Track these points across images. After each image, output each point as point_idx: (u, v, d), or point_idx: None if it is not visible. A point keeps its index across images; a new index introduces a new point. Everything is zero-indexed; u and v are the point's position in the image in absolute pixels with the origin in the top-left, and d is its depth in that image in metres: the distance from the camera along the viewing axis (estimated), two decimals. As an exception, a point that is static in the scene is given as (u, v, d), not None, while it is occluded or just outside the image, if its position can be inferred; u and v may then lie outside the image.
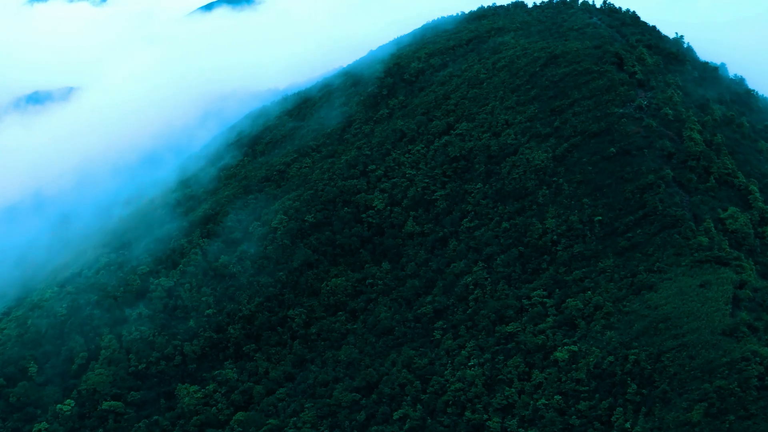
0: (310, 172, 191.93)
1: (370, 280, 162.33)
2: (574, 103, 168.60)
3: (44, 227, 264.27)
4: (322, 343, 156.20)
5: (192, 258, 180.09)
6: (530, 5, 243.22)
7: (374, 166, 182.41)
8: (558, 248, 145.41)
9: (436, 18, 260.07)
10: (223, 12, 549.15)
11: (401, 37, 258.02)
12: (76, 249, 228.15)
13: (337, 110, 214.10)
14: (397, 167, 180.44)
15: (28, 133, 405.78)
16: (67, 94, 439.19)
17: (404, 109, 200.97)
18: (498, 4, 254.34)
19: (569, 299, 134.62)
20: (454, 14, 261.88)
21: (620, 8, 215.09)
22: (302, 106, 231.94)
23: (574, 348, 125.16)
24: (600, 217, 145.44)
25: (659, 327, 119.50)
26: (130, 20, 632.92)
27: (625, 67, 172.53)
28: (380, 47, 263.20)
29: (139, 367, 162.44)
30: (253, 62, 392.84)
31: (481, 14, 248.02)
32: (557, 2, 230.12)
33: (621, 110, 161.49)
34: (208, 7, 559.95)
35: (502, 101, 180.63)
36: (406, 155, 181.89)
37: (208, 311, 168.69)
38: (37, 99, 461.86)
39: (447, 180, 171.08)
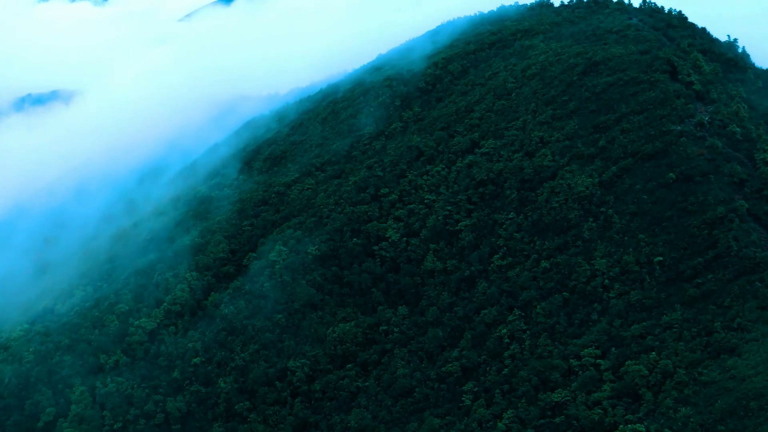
0: (314, 195, 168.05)
1: (385, 327, 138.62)
2: (621, 118, 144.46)
3: (27, 245, 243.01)
4: (329, 403, 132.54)
5: (178, 295, 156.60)
6: (557, 4, 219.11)
7: (387, 190, 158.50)
8: (611, 295, 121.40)
9: (450, 19, 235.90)
10: (237, 6, 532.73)
11: (412, 41, 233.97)
12: (54, 276, 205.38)
13: (343, 123, 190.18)
14: (413, 191, 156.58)
15: (18, 139, 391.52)
16: (67, 96, 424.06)
17: (420, 122, 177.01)
18: (519, 3, 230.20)
19: (629, 361, 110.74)
20: (471, 15, 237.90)
21: (662, 8, 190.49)
22: (304, 118, 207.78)
23: (641, 428, 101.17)
24: (661, 258, 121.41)
25: (750, 406, 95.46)
26: (133, 19, 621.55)
27: (679, 77, 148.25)
28: (389, 52, 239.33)
29: (115, 426, 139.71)
30: (260, 61, 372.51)
31: (503, 15, 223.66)
32: (587, 1, 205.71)
33: (679, 128, 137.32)
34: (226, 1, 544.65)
35: (535, 115, 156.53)
36: (425, 177, 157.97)
37: (195, 360, 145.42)
38: (33, 101, 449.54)
39: (473, 207, 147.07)
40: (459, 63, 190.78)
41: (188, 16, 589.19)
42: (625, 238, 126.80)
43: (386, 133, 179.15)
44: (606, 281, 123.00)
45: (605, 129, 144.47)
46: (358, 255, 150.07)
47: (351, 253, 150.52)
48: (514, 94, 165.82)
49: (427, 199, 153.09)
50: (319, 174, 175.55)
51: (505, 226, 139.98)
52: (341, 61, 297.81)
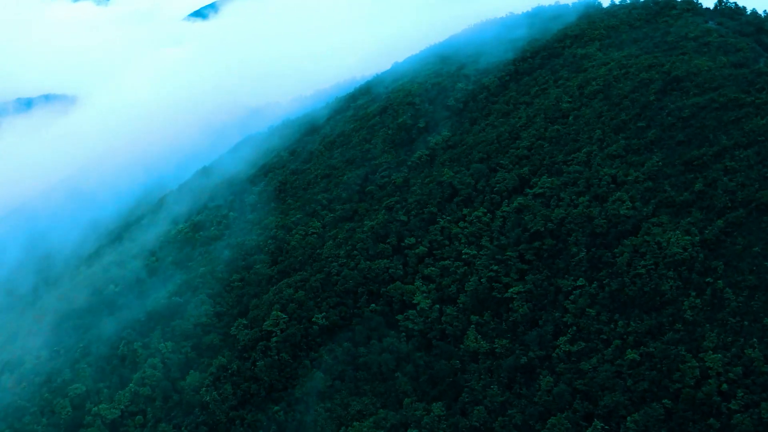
0: (319, 243, 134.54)
1: (414, 430, 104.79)
2: (722, 153, 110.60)
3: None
4: None
5: (148, 373, 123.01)
6: (607, 4, 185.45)
7: (413, 240, 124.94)
8: (732, 407, 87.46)
9: (478, 22, 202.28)
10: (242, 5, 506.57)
11: (433, 47, 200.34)
12: (11, 323, 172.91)
13: (355, 149, 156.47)
14: (447, 242, 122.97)
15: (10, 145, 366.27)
16: (68, 100, 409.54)
17: (452, 150, 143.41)
18: (559, 3, 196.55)
19: None
20: (501, 16, 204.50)
21: (743, 8, 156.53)
22: (308, 140, 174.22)
23: None
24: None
25: None
26: (137, 19, 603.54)
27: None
28: (407, 60, 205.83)
29: None
30: (274, 63, 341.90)
31: (541, 16, 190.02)
32: (646, 0, 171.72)
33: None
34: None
35: (602, 145, 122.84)
36: (461, 224, 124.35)
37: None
38: (31, 103, 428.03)
39: (527, 268, 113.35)
40: (496, 75, 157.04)
41: (193, 14, 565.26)
42: (745, 322, 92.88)
43: (409, 163, 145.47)
44: (724, 386, 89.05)
45: (701, 167, 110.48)
46: (377, 327, 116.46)
47: (368, 324, 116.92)
48: (571, 116, 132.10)
49: (466, 254, 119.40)
50: (326, 214, 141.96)
51: (573, 296, 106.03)
52: (354, 66, 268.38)
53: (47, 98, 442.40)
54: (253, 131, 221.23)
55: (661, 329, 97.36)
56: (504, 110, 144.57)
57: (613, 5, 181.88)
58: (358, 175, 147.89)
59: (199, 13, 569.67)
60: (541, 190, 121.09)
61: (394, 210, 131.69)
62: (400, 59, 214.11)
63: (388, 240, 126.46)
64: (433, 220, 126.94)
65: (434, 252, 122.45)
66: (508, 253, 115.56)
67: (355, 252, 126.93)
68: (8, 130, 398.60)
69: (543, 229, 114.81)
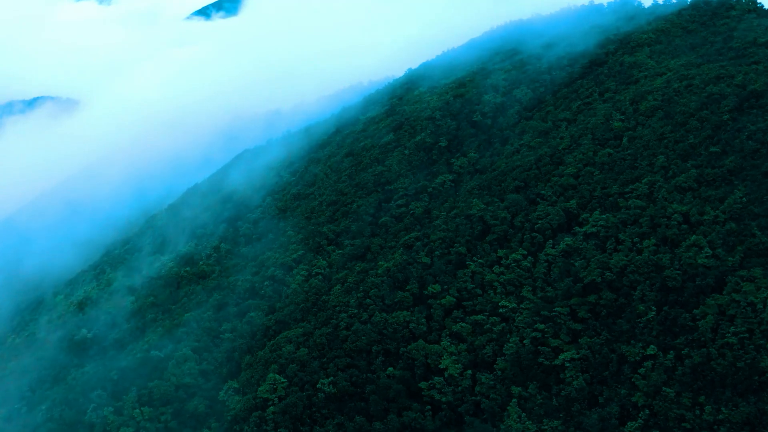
0: (325, 288, 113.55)
1: None
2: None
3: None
4: None
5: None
6: (647, 4, 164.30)
7: (438, 287, 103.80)
8: None
9: (503, 23, 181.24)
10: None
11: (454, 50, 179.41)
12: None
13: (366, 171, 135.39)
14: (479, 291, 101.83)
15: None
16: (70, 103, 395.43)
17: (479, 175, 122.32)
18: (593, 3, 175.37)
19: None
20: (527, 18, 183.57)
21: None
22: (312, 158, 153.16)
23: None
24: None
25: None
26: (141, 19, 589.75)
27: None
28: (422, 65, 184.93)
29: None
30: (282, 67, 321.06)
31: (575, 17, 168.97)
32: (697, 0, 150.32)
33: None
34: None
35: (668, 174, 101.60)
36: (496, 268, 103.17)
37: None
38: (26, 106, 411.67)
39: (580, 328, 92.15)
40: (529, 87, 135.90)
41: (196, 13, 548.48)
42: None
43: (430, 189, 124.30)
44: None
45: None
46: (395, 397, 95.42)
47: (384, 392, 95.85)
48: (625, 138, 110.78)
49: (503, 307, 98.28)
50: (332, 251, 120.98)
51: (643, 369, 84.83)
52: (362, 69, 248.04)
53: (45, 100, 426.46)
54: (259, 139, 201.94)
55: (763, 419, 76.22)
56: (541, 128, 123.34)
57: (656, 5, 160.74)
58: (370, 203, 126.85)
59: (203, 12, 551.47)
60: (593, 229, 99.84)
61: (414, 248, 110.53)
62: (415, 65, 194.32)
63: (408, 287, 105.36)
64: (461, 262, 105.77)
65: (464, 303, 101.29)
66: (556, 309, 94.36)
67: (368, 300, 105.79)
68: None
69: (599, 279, 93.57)
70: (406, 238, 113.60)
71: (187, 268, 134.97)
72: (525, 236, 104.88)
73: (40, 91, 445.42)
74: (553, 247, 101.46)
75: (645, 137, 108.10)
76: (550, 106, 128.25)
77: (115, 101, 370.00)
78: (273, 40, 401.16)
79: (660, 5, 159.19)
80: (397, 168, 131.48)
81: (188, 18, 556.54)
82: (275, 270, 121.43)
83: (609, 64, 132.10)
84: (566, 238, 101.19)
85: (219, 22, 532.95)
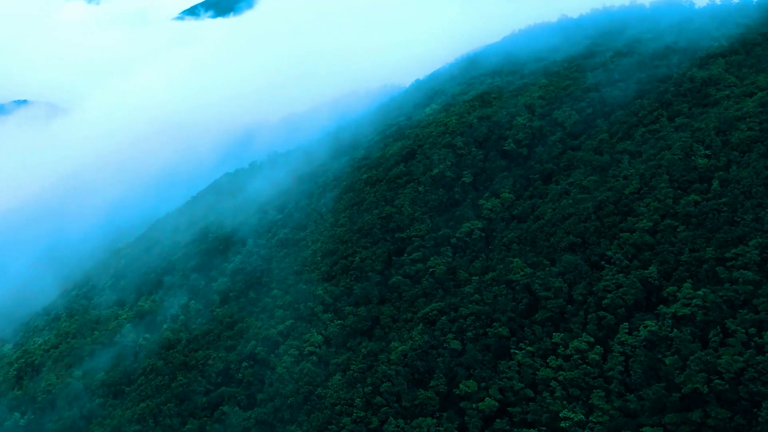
0: (321, 377, 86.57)
1: None
2: None
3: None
4: None
5: None
6: (700, 4, 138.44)
7: (474, 385, 77.03)
8: None
9: (528, 25, 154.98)
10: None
11: (472, 54, 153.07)
12: None
13: (371, 212, 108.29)
14: (530, 392, 75.12)
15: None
16: (47, 108, 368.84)
17: (517, 224, 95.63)
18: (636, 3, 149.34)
19: None
20: (555, 20, 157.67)
21: None
22: (303, 190, 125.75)
23: None
24: None
25: None
26: (130, 19, 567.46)
27: None
28: (433, 74, 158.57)
29: None
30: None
31: (611, 18, 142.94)
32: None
33: None
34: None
35: (784, 235, 75.18)
36: (551, 360, 76.44)
37: None
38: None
39: (680, 457, 65.73)
40: (571, 107, 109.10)
41: (183, 14, 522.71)
42: None
43: (454, 240, 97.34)
44: None
45: None
46: None
47: None
48: (716, 181, 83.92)
49: (567, 419, 71.51)
50: (329, 321, 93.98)
51: None
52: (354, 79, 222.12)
53: (22, 105, 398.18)
54: (250, 153, 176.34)
55: None
56: (596, 163, 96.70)
57: (712, 5, 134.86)
58: (377, 255, 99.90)
59: (192, 12, 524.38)
60: (686, 310, 73.28)
61: (439, 325, 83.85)
62: (420, 73, 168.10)
63: (433, 382, 78.70)
64: (503, 350, 79.12)
65: (509, 409, 74.61)
66: (631, 406, 68.00)
67: (379, 399, 79.06)
68: None
69: (705, 388, 67.06)
70: (427, 310, 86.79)
71: (147, 335, 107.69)
72: (589, 316, 78.30)
73: (17, 95, 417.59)
74: (630, 334, 74.92)
75: (744, 180, 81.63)
76: (603, 133, 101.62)
77: (100, 107, 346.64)
78: (268, 43, 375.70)
79: (719, 5, 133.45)
80: (409, 209, 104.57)
81: (178, 18, 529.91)
82: (256, 345, 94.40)
83: (674, 79, 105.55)
84: (648, 321, 74.63)
85: (208, 22, 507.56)
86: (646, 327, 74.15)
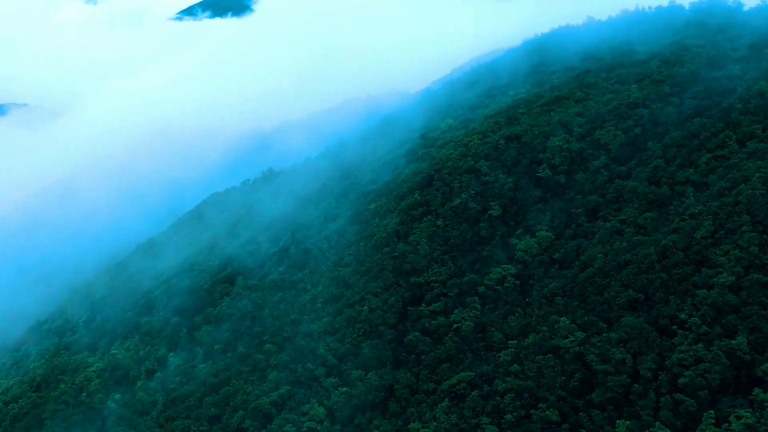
0: (325, 463, 70.28)
1: None
2: None
3: None
4: None
5: None
6: (749, 4, 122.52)
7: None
8: None
9: (552, 29, 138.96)
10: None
11: (489, 61, 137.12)
12: None
13: (380, 250, 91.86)
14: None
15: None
16: (40, 111, 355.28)
17: (558, 270, 79.38)
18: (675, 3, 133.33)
19: None
20: (583, 20, 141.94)
21: None
22: (300, 224, 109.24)
23: None
24: None
25: None
26: (127, 20, 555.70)
27: None
28: (444, 81, 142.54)
29: None
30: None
31: (648, 19, 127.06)
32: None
33: None
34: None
35: None
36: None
37: None
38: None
39: None
40: (615, 125, 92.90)
41: (182, 14, 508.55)
42: None
43: (482, 289, 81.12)
44: None
45: None
46: None
47: None
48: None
49: None
50: (332, 388, 77.72)
51: None
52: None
53: (12, 108, 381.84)
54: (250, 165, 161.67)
55: None
56: (652, 195, 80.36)
57: (765, 5, 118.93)
58: (390, 305, 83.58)
59: (190, 12, 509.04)
60: (791, 398, 57.15)
61: (468, 402, 67.60)
62: (430, 81, 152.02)
63: (464, 482, 62.43)
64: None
65: None
66: None
67: (397, 501, 62.74)
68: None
69: None
70: (454, 381, 70.62)
71: (117, 396, 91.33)
72: (662, 398, 62.14)
73: (7, 98, 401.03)
74: (717, 425, 58.80)
75: None
76: (658, 159, 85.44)
77: (96, 110, 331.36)
78: (268, 45, 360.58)
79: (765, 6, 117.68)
80: (426, 248, 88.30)
81: (176, 18, 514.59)
82: (245, 417, 78.16)
83: (739, 93, 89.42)
84: (740, 411, 58.53)
85: (207, 23, 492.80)
86: (739, 418, 58.05)
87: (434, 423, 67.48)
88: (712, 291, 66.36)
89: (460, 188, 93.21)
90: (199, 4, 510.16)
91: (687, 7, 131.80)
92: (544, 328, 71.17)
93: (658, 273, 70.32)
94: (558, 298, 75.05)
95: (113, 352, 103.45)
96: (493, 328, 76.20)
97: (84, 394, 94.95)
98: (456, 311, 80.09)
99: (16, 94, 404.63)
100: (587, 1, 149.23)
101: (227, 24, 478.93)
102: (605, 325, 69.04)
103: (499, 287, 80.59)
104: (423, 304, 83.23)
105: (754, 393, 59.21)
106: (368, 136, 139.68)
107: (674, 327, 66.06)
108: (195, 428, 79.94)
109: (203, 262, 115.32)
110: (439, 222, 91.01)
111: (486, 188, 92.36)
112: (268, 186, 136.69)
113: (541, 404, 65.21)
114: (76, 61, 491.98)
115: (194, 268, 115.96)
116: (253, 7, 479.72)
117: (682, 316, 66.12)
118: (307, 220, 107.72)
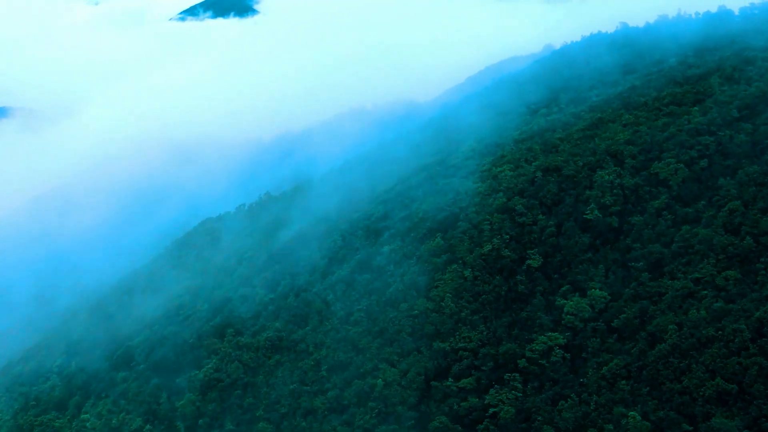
0: None
1: None
2: None
3: None
4: None
5: None
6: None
7: None
8: None
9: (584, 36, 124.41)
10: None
11: (524, 67, 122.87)
12: None
13: (400, 311, 77.04)
14: None
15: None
16: (34, 116, 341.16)
17: (618, 343, 64.57)
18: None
19: None
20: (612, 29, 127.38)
21: None
22: (300, 270, 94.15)
23: None
24: None
25: None
26: (129, 20, 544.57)
27: None
28: (464, 98, 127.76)
29: None
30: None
31: (668, 28, 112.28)
32: None
33: None
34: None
35: None
36: None
37: None
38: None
39: None
40: (675, 154, 78.12)
41: (184, 14, 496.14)
42: None
43: (523, 363, 66.29)
44: None
45: None
46: None
47: None
48: None
49: None
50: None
51: None
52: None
53: (7, 112, 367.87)
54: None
55: None
56: (733, 248, 65.52)
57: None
58: (410, 379, 68.67)
59: (192, 12, 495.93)
60: None
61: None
62: (442, 90, 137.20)
63: None
64: None
65: None
66: None
67: None
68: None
69: None
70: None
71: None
72: None
73: (8, 102, 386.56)
74: None
75: None
76: (734, 200, 70.26)
77: (97, 114, 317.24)
78: (269, 47, 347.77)
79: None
80: (453, 305, 73.38)
81: (179, 18, 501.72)
82: None
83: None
84: None
85: (209, 23, 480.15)
86: None
87: None
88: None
89: (491, 231, 78.22)
90: (200, 4, 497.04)
91: (737, 12, 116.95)
92: (610, 426, 56.28)
93: (754, 357, 55.46)
94: (622, 381, 60.22)
95: (83, 416, 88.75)
96: (539, 417, 61.36)
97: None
98: (492, 391, 65.27)
99: (18, 98, 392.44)
100: (621, 5, 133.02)
101: (230, 25, 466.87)
102: (688, 425, 54.17)
103: (544, 361, 65.70)
104: (450, 378, 68.38)
105: None
106: (376, 156, 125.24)
107: (783, 433, 51.34)
108: None
109: (190, 305, 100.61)
110: (467, 273, 76.01)
111: (522, 232, 77.38)
112: (265, 213, 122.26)
113: None
114: (78, 64, 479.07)
115: (180, 312, 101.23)
116: (256, 7, 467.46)
117: (793, 418, 51.38)
118: (309, 262, 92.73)
